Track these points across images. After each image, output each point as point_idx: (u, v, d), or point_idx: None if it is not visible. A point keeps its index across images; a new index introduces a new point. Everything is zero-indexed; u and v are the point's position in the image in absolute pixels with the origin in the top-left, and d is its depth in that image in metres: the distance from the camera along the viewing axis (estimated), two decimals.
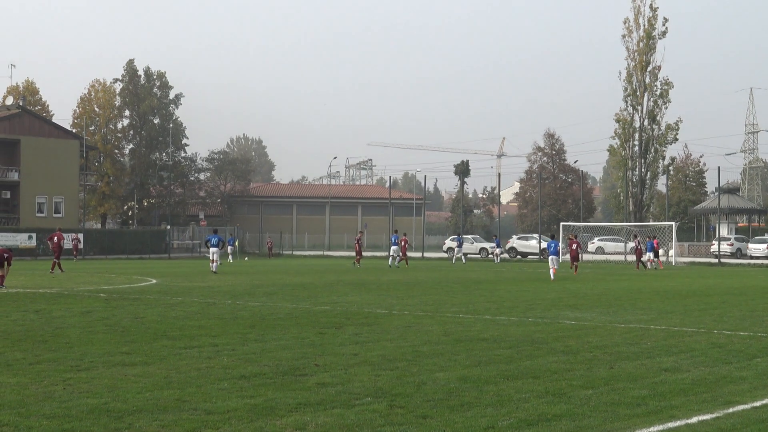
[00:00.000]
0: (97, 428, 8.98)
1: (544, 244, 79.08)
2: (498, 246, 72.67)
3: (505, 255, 78.52)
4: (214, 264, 45.89)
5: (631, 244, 59.70)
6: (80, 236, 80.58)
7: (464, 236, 79.00)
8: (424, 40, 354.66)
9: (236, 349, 14.86)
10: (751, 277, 44.95)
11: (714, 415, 9.74)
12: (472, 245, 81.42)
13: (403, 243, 59.54)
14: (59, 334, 16.85)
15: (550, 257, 42.75)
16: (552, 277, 40.51)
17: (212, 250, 46.51)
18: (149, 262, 69.78)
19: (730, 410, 10.03)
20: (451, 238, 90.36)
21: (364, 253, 67.02)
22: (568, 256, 50.38)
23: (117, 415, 9.58)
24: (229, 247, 70.36)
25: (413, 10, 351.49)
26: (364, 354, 14.29)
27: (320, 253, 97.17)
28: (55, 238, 46.97)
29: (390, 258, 59.34)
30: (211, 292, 29.71)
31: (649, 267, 55.60)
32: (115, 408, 9.90)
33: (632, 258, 57.36)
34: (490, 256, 79.34)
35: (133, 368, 12.75)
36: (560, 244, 45.85)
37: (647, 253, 57.02)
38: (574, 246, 48.41)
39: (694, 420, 9.50)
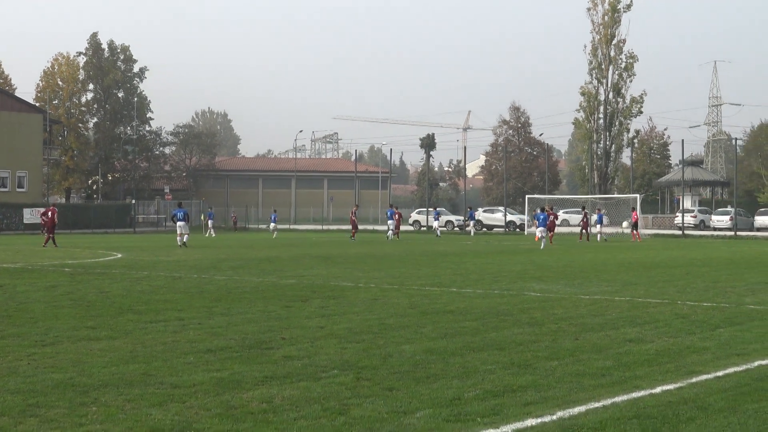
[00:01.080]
0: (62, 403, 8.94)
1: (510, 217, 79.64)
2: (472, 218, 72.48)
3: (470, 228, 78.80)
4: (185, 236, 45.84)
5: (595, 217, 60.36)
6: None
7: (427, 209, 78.69)
8: (389, 15, 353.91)
9: (202, 322, 14.84)
10: (714, 248, 45.34)
11: (677, 385, 9.83)
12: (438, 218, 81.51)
13: (397, 217, 61.54)
14: (23, 309, 16.75)
15: (538, 228, 47.41)
16: (542, 246, 44.95)
17: (179, 224, 46.44)
18: (114, 237, 69.50)
19: (694, 380, 10.12)
20: (417, 210, 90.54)
21: (332, 227, 67.13)
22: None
23: (82, 389, 9.53)
24: (210, 221, 72.24)
25: None
26: (331, 327, 14.31)
27: (286, 226, 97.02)
28: (49, 213, 48.86)
29: (389, 231, 60.47)
30: (177, 266, 29.61)
31: (600, 239, 56.24)
32: (80, 383, 9.85)
33: (595, 230, 58.16)
34: (456, 228, 79.63)
35: (98, 343, 12.69)
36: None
37: (596, 225, 58.22)
38: (551, 217, 50.73)
39: (657, 390, 9.58)
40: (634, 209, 62.31)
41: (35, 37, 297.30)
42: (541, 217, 47.91)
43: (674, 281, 23.55)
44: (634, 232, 59.30)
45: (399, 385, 9.76)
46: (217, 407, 8.78)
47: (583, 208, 63.46)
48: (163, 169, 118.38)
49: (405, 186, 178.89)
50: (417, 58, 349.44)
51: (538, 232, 47.31)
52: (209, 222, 73.10)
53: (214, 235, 69.74)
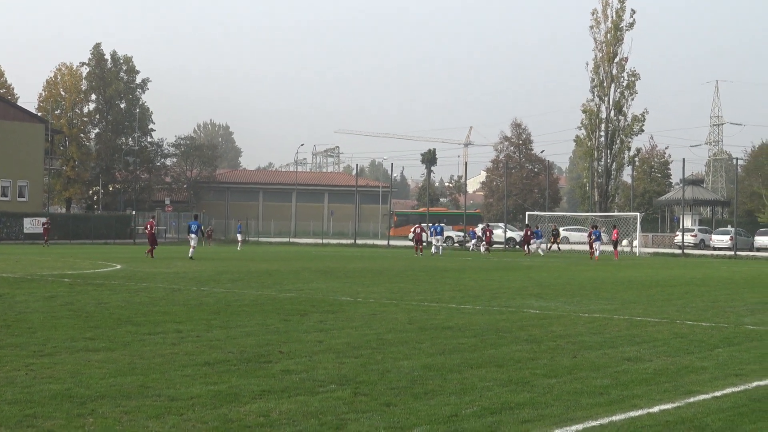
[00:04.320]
0: (59, 414, 8.94)
1: (510, 233, 79.69)
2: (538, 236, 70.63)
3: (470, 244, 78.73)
4: (191, 250, 46.95)
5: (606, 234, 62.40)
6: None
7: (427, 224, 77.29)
8: (392, 29, 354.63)
9: (201, 335, 14.83)
10: (713, 268, 45.31)
11: (675, 405, 9.82)
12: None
13: (488, 233, 65.70)
14: (22, 319, 16.74)
15: (595, 242, 55.23)
16: (597, 257, 54.02)
17: (191, 236, 47.10)
18: (114, 248, 69.46)
19: (692, 400, 10.11)
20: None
21: (332, 241, 66.70)
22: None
23: (80, 401, 9.53)
24: (239, 235, 73.16)
25: None
26: (329, 341, 14.30)
27: (286, 240, 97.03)
28: (148, 226, 50.19)
29: (434, 247, 60.66)
30: (176, 278, 29.61)
31: (542, 253, 62.01)
32: (78, 394, 9.85)
33: (606, 248, 59.51)
34: (456, 244, 79.60)
35: (96, 354, 12.69)
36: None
37: (536, 241, 64.10)
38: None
39: (655, 409, 9.58)
40: (615, 227, 62.70)
41: (38, 47, 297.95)
42: (596, 233, 55.85)
43: (673, 300, 23.53)
44: (615, 250, 59.65)
45: (396, 401, 9.76)
46: (215, 420, 8.78)
47: (527, 226, 66.29)
48: (163, 181, 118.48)
49: (405, 201, 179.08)
50: (419, 73, 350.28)
51: (595, 245, 55.02)
52: (238, 236, 73.89)
53: (239, 249, 69.75)
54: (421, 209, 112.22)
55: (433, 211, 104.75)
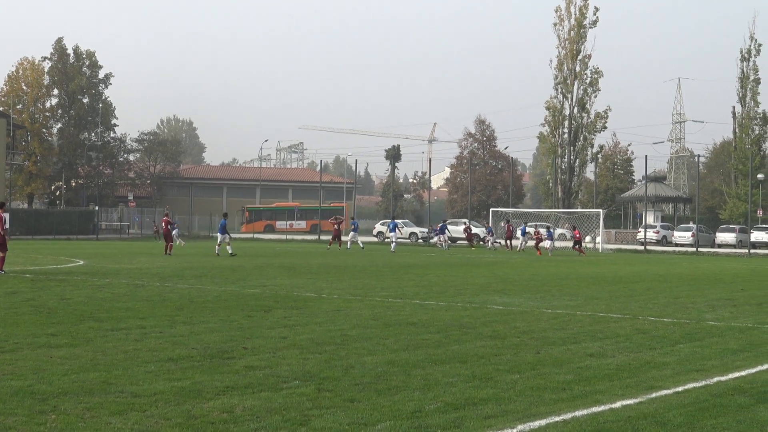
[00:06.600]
0: (21, 410, 8.87)
1: (473, 230, 79.86)
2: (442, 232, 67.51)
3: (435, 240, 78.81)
4: (229, 247, 47.29)
5: (569, 231, 63.21)
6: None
7: (392, 220, 76.21)
8: (356, 26, 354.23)
9: (164, 331, 14.77)
10: (675, 264, 45.62)
11: (637, 400, 9.89)
12: (402, 230, 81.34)
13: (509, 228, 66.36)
14: None
15: (547, 241, 58.32)
16: (550, 254, 55.88)
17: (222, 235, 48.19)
18: (77, 243, 68.95)
19: (653, 395, 10.18)
20: (381, 222, 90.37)
21: (296, 237, 65.82)
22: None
23: (42, 397, 9.47)
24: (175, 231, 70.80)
25: None
26: (293, 337, 14.28)
27: (250, 235, 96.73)
28: (163, 223, 49.90)
29: (392, 244, 60.01)
30: (139, 274, 29.46)
31: (520, 249, 62.51)
32: (40, 390, 9.79)
33: (561, 245, 60.20)
34: (420, 240, 79.64)
35: (58, 350, 12.61)
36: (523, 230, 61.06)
37: (520, 237, 64.64)
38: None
39: (617, 404, 9.64)
40: (575, 228, 62.85)
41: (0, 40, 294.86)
42: (549, 233, 59.38)
43: (636, 296, 23.68)
44: (576, 247, 58.93)
45: (360, 397, 9.77)
46: (178, 417, 8.75)
47: (507, 221, 67.33)
48: (127, 176, 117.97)
49: (370, 197, 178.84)
50: (383, 69, 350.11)
51: (548, 244, 57.99)
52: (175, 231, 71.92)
53: (183, 244, 68.47)
54: (274, 204, 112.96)
55: (284, 206, 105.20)
